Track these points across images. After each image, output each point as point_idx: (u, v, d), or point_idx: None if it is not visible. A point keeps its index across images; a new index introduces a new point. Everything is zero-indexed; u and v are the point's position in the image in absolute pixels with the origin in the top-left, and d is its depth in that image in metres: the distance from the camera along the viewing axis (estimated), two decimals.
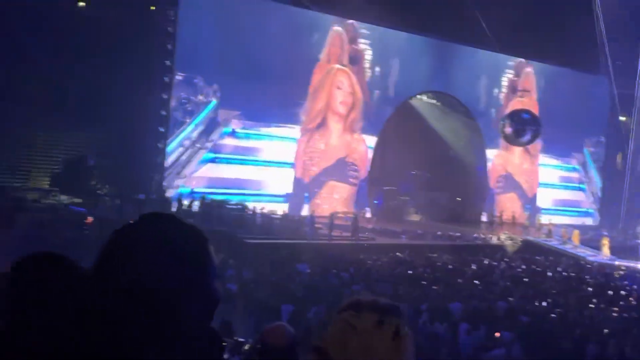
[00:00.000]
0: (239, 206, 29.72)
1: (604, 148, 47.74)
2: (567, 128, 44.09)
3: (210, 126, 28.62)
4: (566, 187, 46.18)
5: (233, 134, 29.25)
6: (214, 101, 28.67)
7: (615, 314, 18.41)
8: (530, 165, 44.82)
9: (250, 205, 30.34)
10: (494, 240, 34.86)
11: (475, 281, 21.67)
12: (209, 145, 28.77)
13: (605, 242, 33.81)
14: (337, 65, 35.40)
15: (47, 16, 26.94)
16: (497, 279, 22.93)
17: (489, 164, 43.22)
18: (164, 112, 30.46)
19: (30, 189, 28.17)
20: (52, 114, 27.51)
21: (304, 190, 34.48)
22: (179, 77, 27.29)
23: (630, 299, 21.93)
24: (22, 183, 28.55)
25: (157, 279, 1.47)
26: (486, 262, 27.86)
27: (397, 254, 27.88)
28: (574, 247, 34.51)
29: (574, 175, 46.45)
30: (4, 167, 28.02)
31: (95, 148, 29.19)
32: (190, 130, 27.89)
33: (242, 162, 30.59)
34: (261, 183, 32.02)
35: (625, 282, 25.52)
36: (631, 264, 31.91)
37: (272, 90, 29.76)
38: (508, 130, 36.28)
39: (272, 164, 32.15)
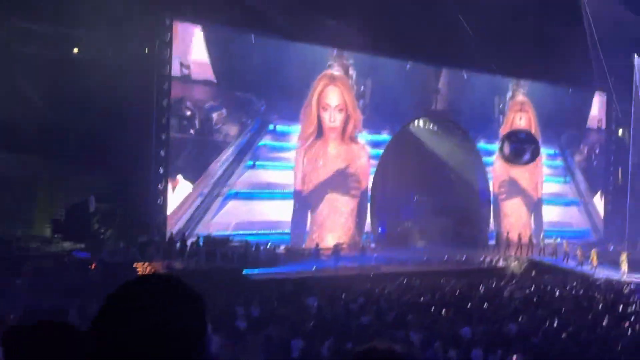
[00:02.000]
0: (243, 242, 29.70)
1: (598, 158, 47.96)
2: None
3: (263, 125, 33.30)
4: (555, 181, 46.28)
5: (274, 130, 33.59)
6: (263, 107, 33.14)
7: (628, 330, 18.29)
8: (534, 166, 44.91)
9: (253, 240, 30.38)
10: (501, 261, 34.72)
11: (484, 304, 21.57)
12: (265, 136, 33.61)
13: (624, 258, 33.52)
14: (329, 74, 35.50)
15: (44, 63, 27.12)
16: (506, 300, 22.80)
17: (490, 170, 43.45)
18: (162, 153, 30.56)
19: (33, 237, 28.13)
20: (51, 160, 27.61)
21: (306, 202, 34.72)
22: (238, 94, 32.31)
23: None
24: (24, 231, 28.51)
25: (151, 341, 1.47)
26: (494, 284, 27.75)
27: (404, 281, 27.77)
28: (579, 264, 34.21)
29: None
30: (6, 216, 27.98)
31: (96, 193, 29.19)
32: (250, 127, 32.80)
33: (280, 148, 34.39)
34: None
35: (636, 297, 25.39)
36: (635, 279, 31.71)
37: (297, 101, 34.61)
38: (507, 150, 36.33)
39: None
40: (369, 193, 37.51)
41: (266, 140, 33.49)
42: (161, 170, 30.57)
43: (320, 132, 35.15)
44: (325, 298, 21.77)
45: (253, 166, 32.89)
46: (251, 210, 32.55)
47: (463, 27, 35.88)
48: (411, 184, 40.59)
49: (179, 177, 30.87)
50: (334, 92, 35.38)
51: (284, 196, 34.21)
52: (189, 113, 30.78)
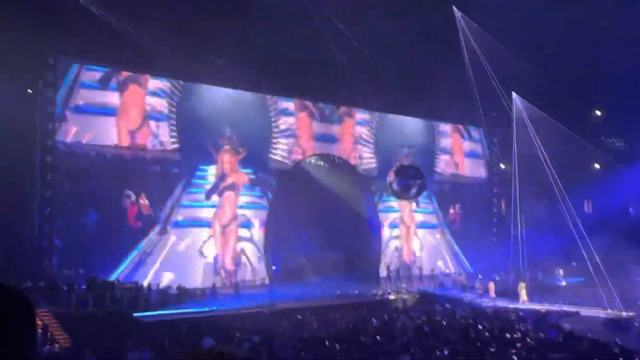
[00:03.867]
0: (133, 285, 29.01)
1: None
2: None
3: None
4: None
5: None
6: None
7: (514, 357, 18.91)
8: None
9: (145, 282, 29.85)
10: (392, 294, 35.30)
11: (377, 337, 21.84)
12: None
13: (523, 287, 34.56)
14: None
15: None
16: (399, 332, 23.17)
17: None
18: (48, 194, 29.64)
19: None
20: None
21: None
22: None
23: (528, 339, 22.63)
24: None
25: None
26: (386, 317, 28.16)
27: (298, 316, 27.81)
28: (479, 295, 35.09)
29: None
30: None
31: None
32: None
33: None
34: None
35: (521, 324, 26.33)
36: (525, 307, 32.90)
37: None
38: (395, 187, 37.10)
39: None
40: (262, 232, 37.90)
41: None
42: (46, 212, 29.60)
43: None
44: (220, 338, 21.53)
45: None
46: None
47: (344, 66, 36.76)
48: (303, 220, 40.87)
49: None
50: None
51: None
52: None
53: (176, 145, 34.46)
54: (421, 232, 46.78)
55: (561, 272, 40.28)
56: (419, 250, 46.07)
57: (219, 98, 36.48)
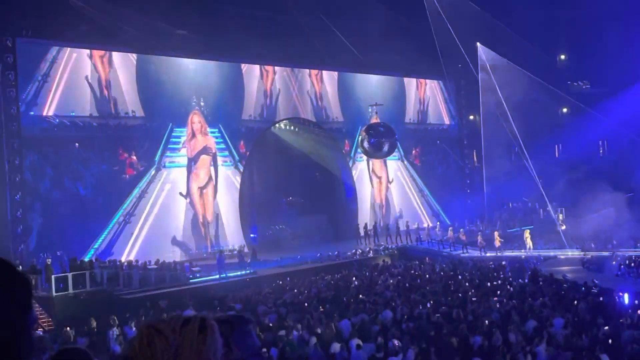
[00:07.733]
0: (111, 264, 28.75)
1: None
2: None
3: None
4: None
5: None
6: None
7: (496, 304, 19.13)
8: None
9: (123, 259, 29.70)
10: (371, 252, 35.42)
11: (360, 296, 21.99)
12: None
13: (528, 235, 34.76)
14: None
15: None
16: (381, 289, 23.33)
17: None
18: (17, 179, 29.19)
19: None
20: None
21: None
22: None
23: (508, 286, 22.92)
24: None
25: None
26: (367, 274, 28.34)
27: (279, 282, 27.88)
28: (481, 249, 34.72)
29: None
30: None
31: None
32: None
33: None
34: None
35: (501, 272, 26.64)
36: (500, 255, 33.23)
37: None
38: (366, 144, 36.98)
39: None
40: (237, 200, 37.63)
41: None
42: (18, 197, 29.17)
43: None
44: (202, 309, 21.54)
45: None
46: None
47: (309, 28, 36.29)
48: (280, 187, 40.81)
49: None
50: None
51: None
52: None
53: (142, 115, 34.05)
54: (395, 187, 46.87)
55: (561, 216, 39.87)
56: (395, 205, 46.26)
57: (183, 68, 36.01)
